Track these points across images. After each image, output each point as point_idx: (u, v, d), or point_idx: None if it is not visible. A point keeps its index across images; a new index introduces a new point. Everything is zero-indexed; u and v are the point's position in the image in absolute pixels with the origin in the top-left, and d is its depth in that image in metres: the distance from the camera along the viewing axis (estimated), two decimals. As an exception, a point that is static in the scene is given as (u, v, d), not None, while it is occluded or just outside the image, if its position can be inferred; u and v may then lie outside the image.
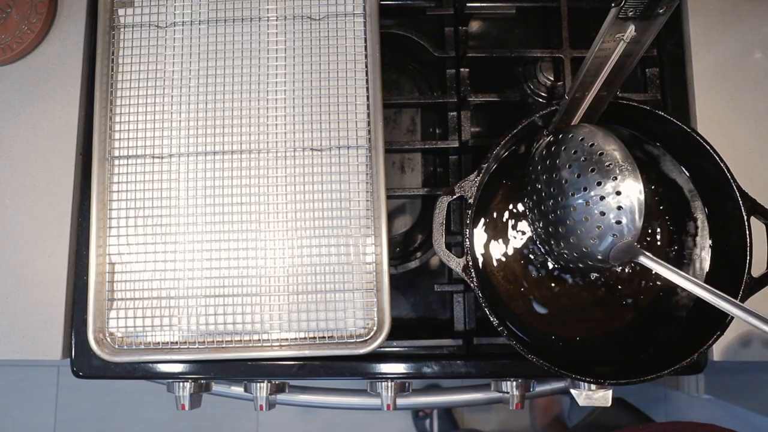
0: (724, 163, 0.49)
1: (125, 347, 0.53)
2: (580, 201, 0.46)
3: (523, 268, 0.54)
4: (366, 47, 0.57)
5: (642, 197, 0.44)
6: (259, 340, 0.53)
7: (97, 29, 0.57)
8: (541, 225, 0.51)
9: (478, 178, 0.50)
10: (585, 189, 0.46)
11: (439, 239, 0.49)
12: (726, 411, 1.28)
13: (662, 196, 0.55)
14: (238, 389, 0.60)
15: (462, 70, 0.62)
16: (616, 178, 0.44)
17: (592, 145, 0.46)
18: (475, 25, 0.67)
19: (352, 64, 0.57)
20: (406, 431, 1.45)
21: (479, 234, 0.54)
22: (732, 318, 0.48)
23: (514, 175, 0.55)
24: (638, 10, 0.38)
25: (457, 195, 0.50)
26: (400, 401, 0.57)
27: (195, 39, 0.57)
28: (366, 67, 0.56)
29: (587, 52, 0.43)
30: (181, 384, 0.56)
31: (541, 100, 0.63)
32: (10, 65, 0.61)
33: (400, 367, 0.57)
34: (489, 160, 0.50)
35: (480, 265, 0.54)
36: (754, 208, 0.49)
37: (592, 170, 0.45)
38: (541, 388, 0.60)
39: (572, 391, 0.55)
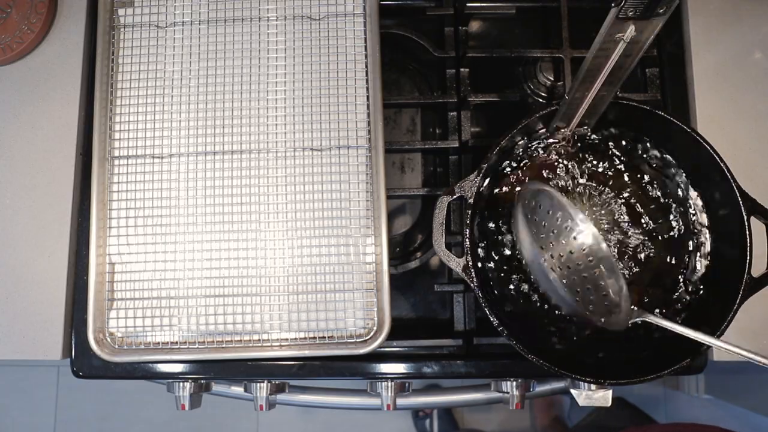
0: (724, 163, 0.49)
1: (125, 347, 0.53)
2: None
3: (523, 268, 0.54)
4: (366, 47, 0.57)
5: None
6: (259, 340, 0.53)
7: (97, 29, 0.57)
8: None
9: (478, 178, 0.50)
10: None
11: (439, 239, 0.49)
12: (726, 411, 1.28)
13: (662, 197, 0.55)
14: (238, 389, 0.60)
15: (462, 70, 0.62)
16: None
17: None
18: (475, 25, 0.67)
19: (352, 64, 0.57)
20: (406, 431, 1.45)
21: (479, 233, 0.54)
22: (732, 318, 0.48)
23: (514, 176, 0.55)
24: (638, 10, 0.38)
25: (457, 195, 0.50)
26: (400, 401, 0.57)
27: (195, 39, 0.57)
28: (366, 67, 0.56)
29: (587, 52, 0.43)
30: (181, 384, 0.56)
31: (541, 100, 0.63)
32: (10, 65, 0.61)
33: (400, 367, 0.57)
34: (489, 160, 0.50)
35: (480, 264, 0.54)
36: (754, 208, 0.49)
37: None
38: (541, 388, 0.60)
39: (572, 391, 0.55)
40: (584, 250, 0.46)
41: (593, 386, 0.54)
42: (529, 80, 0.64)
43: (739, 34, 0.63)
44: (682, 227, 0.54)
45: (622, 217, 0.54)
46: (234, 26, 0.58)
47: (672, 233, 0.54)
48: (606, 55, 0.42)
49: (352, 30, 0.57)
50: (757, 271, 0.49)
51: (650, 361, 0.51)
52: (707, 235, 0.54)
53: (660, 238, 0.54)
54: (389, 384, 0.56)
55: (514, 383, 0.57)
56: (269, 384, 0.57)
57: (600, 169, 0.55)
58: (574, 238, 0.46)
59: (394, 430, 1.46)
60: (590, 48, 0.42)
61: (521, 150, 0.54)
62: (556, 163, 0.55)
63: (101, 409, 1.47)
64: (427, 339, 0.57)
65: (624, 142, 0.55)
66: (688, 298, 0.54)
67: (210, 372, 0.57)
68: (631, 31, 0.40)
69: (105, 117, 0.56)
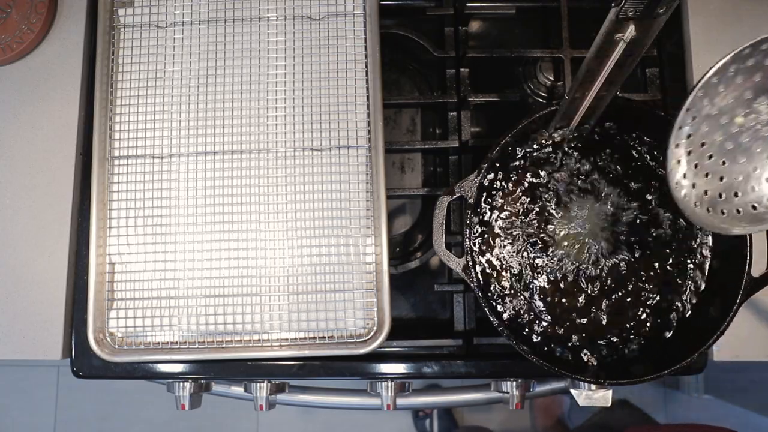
0: (724, 163, 0.49)
1: (125, 347, 0.53)
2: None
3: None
4: (366, 47, 0.57)
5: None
6: (259, 340, 0.53)
7: (97, 29, 0.57)
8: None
9: (478, 178, 0.50)
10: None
11: (439, 239, 0.49)
12: (726, 411, 1.28)
13: (662, 197, 0.55)
14: (238, 389, 0.60)
15: (462, 70, 0.62)
16: None
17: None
18: (475, 25, 0.67)
19: (352, 64, 0.57)
20: (406, 431, 1.45)
21: (479, 232, 0.54)
22: (732, 318, 0.48)
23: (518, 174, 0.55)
24: (638, 10, 0.38)
25: (457, 195, 0.50)
26: (400, 401, 0.57)
27: (195, 39, 0.57)
28: (366, 67, 0.56)
29: (587, 52, 0.43)
30: (181, 384, 0.56)
31: (541, 100, 0.63)
32: (10, 65, 0.61)
33: (400, 367, 0.57)
34: (489, 160, 0.50)
35: (480, 264, 0.54)
36: (754, 208, 0.49)
37: None
38: (541, 388, 0.60)
39: (572, 391, 0.55)
40: None
41: (593, 386, 0.54)
42: (529, 80, 0.64)
43: (739, 34, 0.63)
44: (682, 227, 0.54)
45: (623, 216, 0.54)
46: (234, 26, 0.58)
47: (672, 233, 0.54)
48: (606, 55, 0.42)
49: (352, 30, 0.57)
50: (757, 271, 0.49)
51: (650, 361, 0.51)
52: (707, 235, 0.54)
53: (661, 238, 0.54)
54: (389, 384, 0.56)
55: (514, 383, 0.57)
56: (269, 384, 0.57)
57: (600, 169, 0.55)
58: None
59: (394, 430, 1.46)
60: (590, 48, 0.42)
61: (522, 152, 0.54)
62: (556, 163, 0.55)
63: (101, 409, 1.47)
64: (427, 339, 0.57)
65: (624, 142, 0.55)
66: (688, 298, 0.54)
67: (210, 372, 0.57)
68: (631, 31, 0.40)
69: (105, 117, 0.56)
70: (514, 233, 0.54)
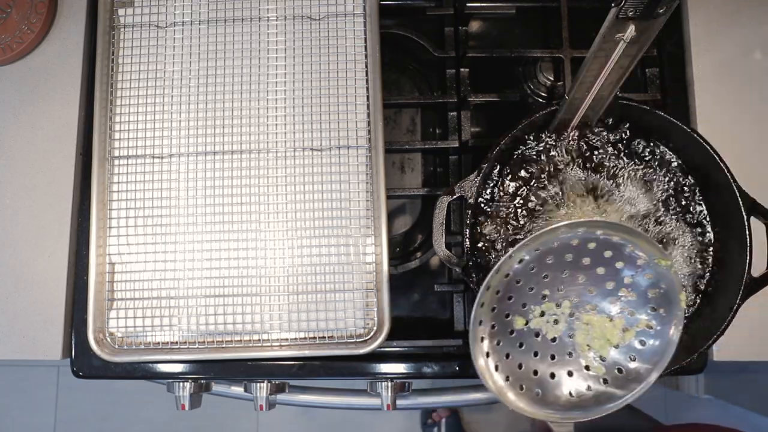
0: (724, 163, 0.49)
1: (125, 347, 0.53)
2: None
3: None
4: (366, 47, 0.57)
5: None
6: (259, 340, 0.53)
7: (97, 29, 0.57)
8: None
9: (478, 178, 0.50)
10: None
11: (439, 239, 0.49)
12: (726, 411, 1.28)
13: (662, 197, 0.55)
14: (238, 389, 0.60)
15: (462, 70, 0.62)
16: None
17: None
18: (475, 25, 0.67)
19: (352, 64, 0.57)
20: (406, 431, 1.46)
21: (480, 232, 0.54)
22: (732, 318, 0.48)
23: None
24: (638, 10, 0.38)
25: (457, 195, 0.50)
26: (400, 401, 0.57)
27: (195, 39, 0.57)
28: (366, 67, 0.56)
29: (587, 52, 0.43)
30: (181, 384, 0.56)
31: (541, 100, 0.63)
32: (10, 65, 0.61)
33: (400, 367, 0.57)
34: (489, 160, 0.50)
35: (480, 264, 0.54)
36: (754, 208, 0.49)
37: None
38: (541, 388, 0.60)
39: (572, 391, 0.55)
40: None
41: (593, 386, 0.53)
42: (529, 80, 0.64)
43: (739, 34, 0.63)
44: (682, 227, 0.54)
45: (622, 217, 0.54)
46: (234, 26, 0.58)
47: (672, 233, 0.54)
48: (606, 55, 0.42)
49: (352, 30, 0.57)
50: (757, 271, 0.49)
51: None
52: (707, 235, 0.54)
53: (659, 239, 0.54)
54: (389, 384, 0.56)
55: (514, 383, 0.56)
56: (269, 384, 0.57)
57: (600, 169, 0.55)
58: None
59: (394, 430, 1.46)
60: (590, 48, 0.42)
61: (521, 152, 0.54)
62: (556, 163, 0.55)
63: (101, 409, 1.47)
64: (427, 339, 0.57)
65: (623, 142, 0.55)
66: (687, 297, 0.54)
67: (210, 372, 0.57)
68: (631, 31, 0.40)
69: (105, 117, 0.56)
70: (515, 233, 0.54)
